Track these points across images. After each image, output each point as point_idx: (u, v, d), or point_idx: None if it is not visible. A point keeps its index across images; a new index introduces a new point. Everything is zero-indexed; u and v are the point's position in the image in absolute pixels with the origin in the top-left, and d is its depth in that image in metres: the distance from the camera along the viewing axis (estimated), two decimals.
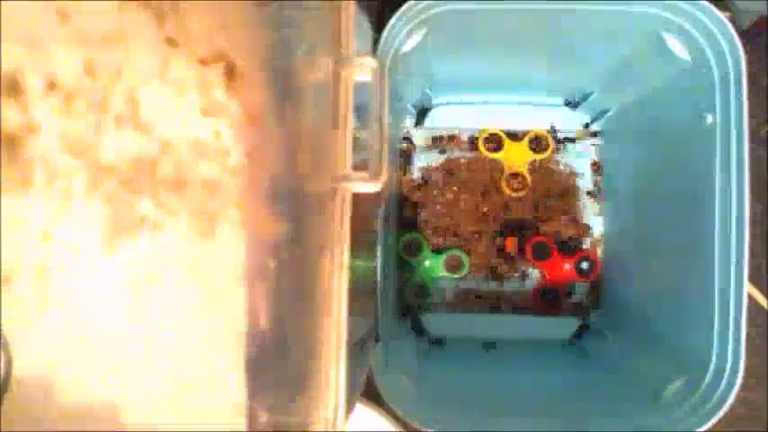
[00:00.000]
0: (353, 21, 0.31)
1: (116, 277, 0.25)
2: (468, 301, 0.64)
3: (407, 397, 0.45)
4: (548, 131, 0.64)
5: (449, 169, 0.64)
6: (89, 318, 0.24)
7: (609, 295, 0.63)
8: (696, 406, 0.43)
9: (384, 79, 0.32)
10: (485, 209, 0.64)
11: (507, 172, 0.63)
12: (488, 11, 0.45)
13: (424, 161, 0.65)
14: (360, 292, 0.40)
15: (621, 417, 0.46)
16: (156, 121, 0.25)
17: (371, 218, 0.47)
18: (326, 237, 0.29)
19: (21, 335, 0.23)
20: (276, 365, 0.28)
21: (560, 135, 0.65)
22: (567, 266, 0.62)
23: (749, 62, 0.41)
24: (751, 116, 0.41)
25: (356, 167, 0.30)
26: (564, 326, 0.63)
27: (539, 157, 0.64)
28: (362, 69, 0.31)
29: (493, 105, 0.64)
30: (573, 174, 0.65)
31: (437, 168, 0.64)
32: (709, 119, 0.44)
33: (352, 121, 0.30)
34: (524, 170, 0.63)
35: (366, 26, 0.43)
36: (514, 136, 0.64)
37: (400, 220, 0.63)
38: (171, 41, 0.25)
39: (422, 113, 0.65)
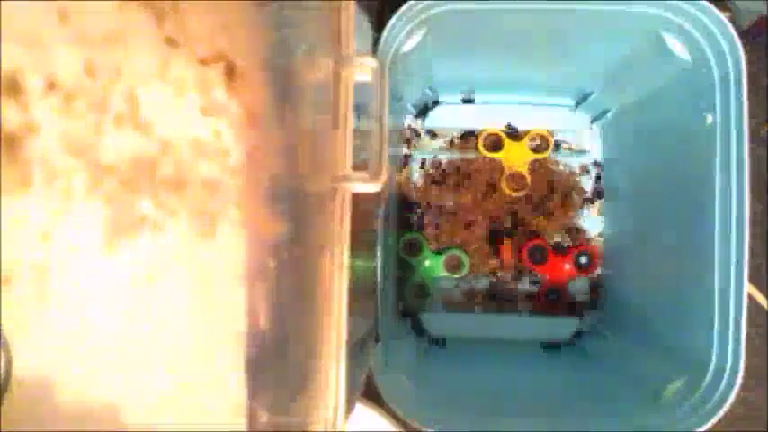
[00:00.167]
0: (353, 21, 0.31)
1: (116, 277, 0.24)
2: (468, 301, 0.64)
3: (407, 397, 0.45)
4: (548, 131, 0.64)
5: (449, 169, 0.64)
6: (89, 318, 0.24)
7: (609, 295, 0.63)
8: (696, 406, 0.43)
9: (384, 79, 0.32)
10: (485, 209, 0.64)
11: (507, 172, 0.63)
12: (488, 11, 0.45)
13: (424, 161, 0.65)
14: (360, 292, 0.40)
15: (621, 417, 0.46)
16: (156, 121, 0.25)
17: (371, 218, 0.47)
18: (326, 237, 0.29)
19: (21, 335, 0.23)
20: (276, 365, 0.28)
21: (560, 135, 0.65)
22: (567, 266, 0.62)
23: (749, 62, 0.41)
24: (751, 116, 0.41)
25: (356, 167, 0.30)
26: (564, 326, 0.63)
27: (539, 157, 0.64)
28: (362, 69, 0.31)
29: (493, 105, 0.64)
30: (573, 174, 0.65)
31: (437, 168, 0.65)
32: (710, 119, 0.43)
33: (352, 121, 0.30)
34: (524, 170, 0.63)
35: (366, 26, 0.43)
36: (514, 136, 0.64)
37: (400, 220, 0.63)
38: (171, 41, 0.25)
39: (422, 113, 0.65)
